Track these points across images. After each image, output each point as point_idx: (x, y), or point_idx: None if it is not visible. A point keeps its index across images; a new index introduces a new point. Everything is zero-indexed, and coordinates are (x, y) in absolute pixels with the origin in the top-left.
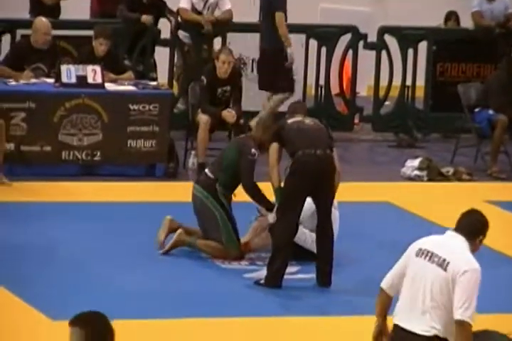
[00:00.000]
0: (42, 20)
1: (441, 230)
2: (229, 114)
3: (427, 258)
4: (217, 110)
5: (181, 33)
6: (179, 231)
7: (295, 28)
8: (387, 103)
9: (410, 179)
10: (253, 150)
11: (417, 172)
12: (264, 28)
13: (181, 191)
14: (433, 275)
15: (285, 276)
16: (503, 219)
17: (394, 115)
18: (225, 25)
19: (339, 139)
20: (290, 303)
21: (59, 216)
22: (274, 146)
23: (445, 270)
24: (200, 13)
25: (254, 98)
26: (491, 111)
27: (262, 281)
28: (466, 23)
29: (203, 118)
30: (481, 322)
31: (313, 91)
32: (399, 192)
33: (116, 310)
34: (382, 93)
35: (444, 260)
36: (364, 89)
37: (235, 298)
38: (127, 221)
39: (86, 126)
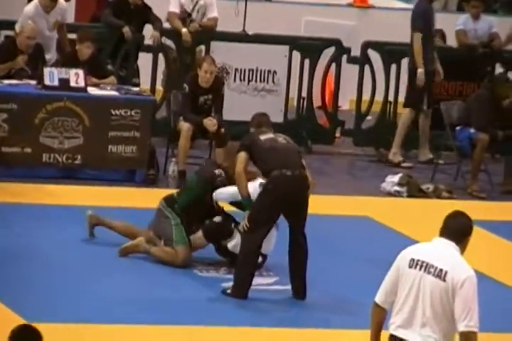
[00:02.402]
0: (28, 24)
1: None
2: (210, 123)
3: (422, 269)
4: (199, 118)
5: (167, 40)
6: (140, 238)
7: (279, 40)
8: (368, 118)
9: (390, 194)
10: (216, 171)
11: (396, 187)
12: (409, 48)
13: (160, 198)
14: (431, 286)
15: (261, 287)
16: (482, 238)
17: (375, 130)
18: (208, 33)
19: (320, 152)
20: (262, 314)
21: (38, 218)
22: (242, 155)
23: (444, 280)
24: (189, 15)
25: (235, 107)
26: (472, 130)
27: (229, 291)
28: (452, 41)
29: (184, 126)
30: None
31: (295, 103)
32: (379, 207)
33: (92, 314)
34: (364, 107)
35: (441, 270)
36: (346, 102)
37: (209, 306)
38: None
39: (67, 129)
